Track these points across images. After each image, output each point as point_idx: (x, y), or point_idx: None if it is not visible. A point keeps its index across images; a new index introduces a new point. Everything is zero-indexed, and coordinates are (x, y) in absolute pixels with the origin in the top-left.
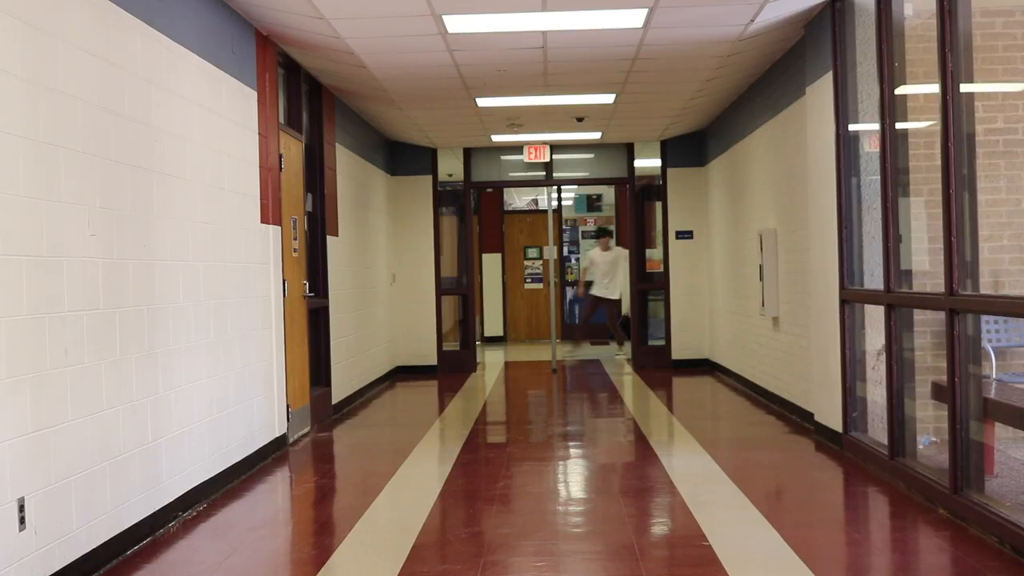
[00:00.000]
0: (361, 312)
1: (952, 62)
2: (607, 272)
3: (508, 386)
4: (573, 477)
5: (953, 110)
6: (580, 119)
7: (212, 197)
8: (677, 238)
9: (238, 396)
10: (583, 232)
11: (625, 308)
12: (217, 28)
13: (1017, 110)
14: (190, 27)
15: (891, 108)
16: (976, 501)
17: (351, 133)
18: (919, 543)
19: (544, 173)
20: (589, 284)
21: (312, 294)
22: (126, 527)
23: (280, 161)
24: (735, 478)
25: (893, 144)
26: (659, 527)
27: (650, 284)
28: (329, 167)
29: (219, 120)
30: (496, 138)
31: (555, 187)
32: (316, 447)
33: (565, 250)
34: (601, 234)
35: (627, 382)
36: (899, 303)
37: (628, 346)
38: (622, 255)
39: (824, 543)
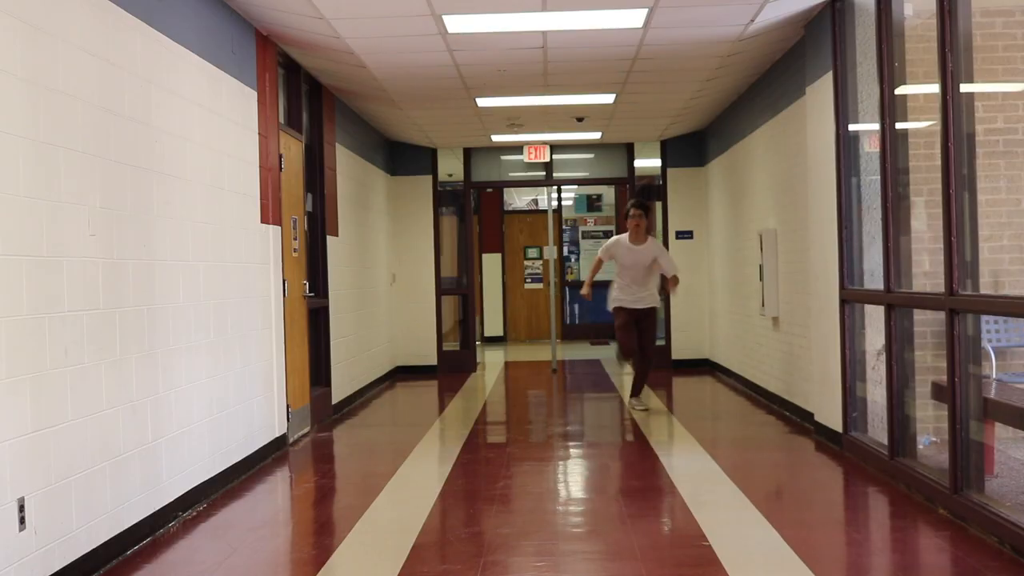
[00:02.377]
0: (361, 312)
1: (952, 62)
2: (639, 278)
3: (508, 386)
4: (573, 477)
5: (953, 110)
6: (580, 119)
7: (212, 197)
8: (677, 238)
9: (238, 396)
10: (583, 232)
11: None
12: (217, 28)
13: (1017, 110)
14: (190, 27)
15: (891, 108)
16: (976, 501)
17: (351, 133)
18: (919, 543)
19: (544, 173)
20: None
21: (312, 294)
22: (126, 527)
23: (280, 161)
24: (735, 478)
25: (893, 144)
26: (659, 527)
27: None
28: (329, 167)
29: (219, 120)
30: (496, 138)
31: (555, 187)
32: (316, 447)
33: (565, 250)
34: (636, 211)
35: (627, 382)
36: (899, 303)
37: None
38: (662, 253)
39: (824, 543)
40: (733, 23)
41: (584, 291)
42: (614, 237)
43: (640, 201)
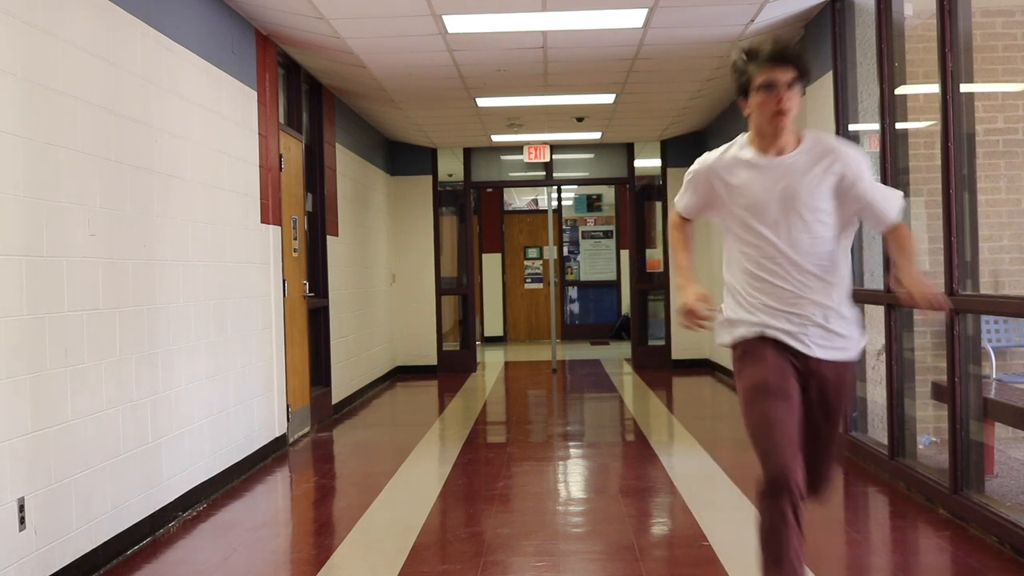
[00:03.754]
0: (361, 312)
1: (952, 62)
2: (801, 249)
3: (508, 386)
4: (573, 477)
5: (953, 110)
6: (580, 119)
7: (212, 197)
8: None
9: (238, 396)
10: (583, 232)
11: (625, 308)
12: (217, 28)
13: (1017, 110)
14: (190, 27)
15: (891, 108)
16: (976, 501)
17: (351, 133)
18: (919, 543)
19: (544, 173)
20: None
21: (312, 294)
22: (126, 527)
23: (280, 161)
24: (735, 478)
25: (893, 144)
26: (659, 527)
27: (650, 284)
28: (329, 167)
29: (219, 120)
30: (496, 138)
31: (555, 187)
32: (316, 447)
33: (565, 250)
34: (778, 65)
35: (627, 382)
36: (899, 303)
37: None
38: (863, 171)
39: (824, 543)
40: (733, 23)
41: (689, 301)
42: (706, 157)
43: (783, 51)
